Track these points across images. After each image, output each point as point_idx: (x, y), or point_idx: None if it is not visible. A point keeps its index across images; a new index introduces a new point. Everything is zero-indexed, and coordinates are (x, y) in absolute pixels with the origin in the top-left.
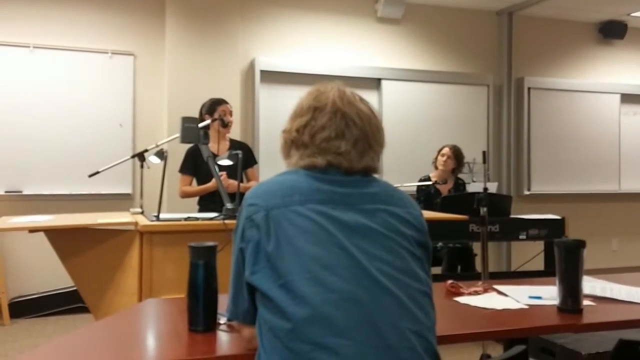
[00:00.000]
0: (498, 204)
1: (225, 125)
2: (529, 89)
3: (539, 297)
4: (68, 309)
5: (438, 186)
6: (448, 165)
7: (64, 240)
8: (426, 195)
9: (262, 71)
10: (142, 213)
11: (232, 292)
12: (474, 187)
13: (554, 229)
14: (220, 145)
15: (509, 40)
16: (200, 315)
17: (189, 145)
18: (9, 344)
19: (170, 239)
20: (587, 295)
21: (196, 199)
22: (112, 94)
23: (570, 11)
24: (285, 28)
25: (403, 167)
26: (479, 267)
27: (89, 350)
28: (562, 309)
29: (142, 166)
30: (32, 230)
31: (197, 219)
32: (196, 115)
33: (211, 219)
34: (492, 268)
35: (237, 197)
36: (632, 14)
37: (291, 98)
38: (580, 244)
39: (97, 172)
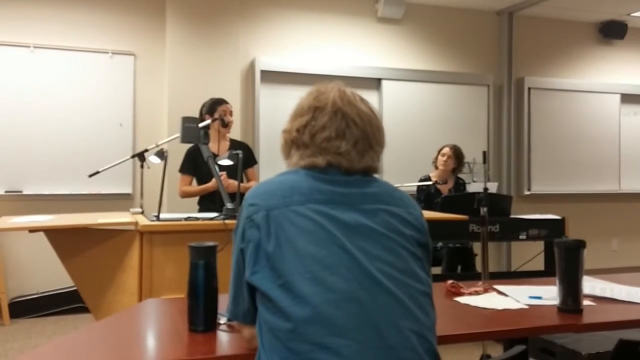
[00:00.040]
0: (498, 204)
1: (226, 125)
2: (529, 89)
3: (539, 297)
4: (68, 309)
5: (438, 186)
6: (448, 165)
7: (64, 240)
8: (426, 195)
9: (262, 71)
10: (142, 213)
11: (232, 292)
12: (474, 187)
13: (554, 229)
14: (220, 145)
15: (509, 40)
16: (201, 315)
17: (189, 145)
18: (9, 344)
19: (171, 239)
20: (587, 295)
21: (196, 199)
22: (112, 94)
23: (570, 11)
24: (286, 28)
25: (403, 167)
26: (479, 267)
27: (89, 350)
28: (562, 309)
29: (142, 166)
30: (32, 230)
31: (197, 219)
32: (196, 115)
33: (211, 219)
34: (492, 268)
35: (237, 197)
36: (633, 14)
37: (291, 98)
38: (580, 244)
39: (97, 172)
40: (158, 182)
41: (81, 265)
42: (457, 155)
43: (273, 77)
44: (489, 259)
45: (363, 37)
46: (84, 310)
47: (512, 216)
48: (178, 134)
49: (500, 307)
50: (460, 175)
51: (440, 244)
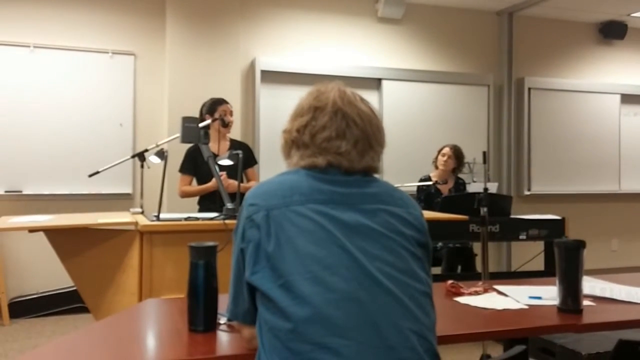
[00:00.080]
0: (498, 204)
1: (226, 125)
2: (529, 89)
3: (539, 297)
4: (68, 309)
5: (438, 186)
6: (449, 165)
7: (64, 240)
8: (427, 195)
9: (262, 71)
10: (142, 213)
11: (232, 292)
12: (474, 187)
13: (554, 229)
14: (220, 145)
15: (509, 41)
16: (201, 315)
17: (189, 145)
18: (9, 344)
19: (171, 239)
20: (587, 295)
21: (196, 199)
22: (112, 94)
23: (570, 11)
24: (286, 28)
25: (403, 167)
26: (479, 267)
27: (89, 350)
28: (562, 309)
29: (142, 166)
30: (32, 230)
31: (197, 219)
32: (196, 115)
33: (211, 219)
34: (492, 268)
35: (237, 197)
36: (632, 15)
37: (291, 98)
38: (580, 244)
39: (97, 172)
40: (158, 182)
41: (81, 265)
42: (457, 155)
43: (273, 77)
44: (489, 259)
45: (363, 37)
46: (84, 310)
47: (512, 216)
48: (178, 134)
49: (500, 307)
50: (460, 175)
51: (440, 244)
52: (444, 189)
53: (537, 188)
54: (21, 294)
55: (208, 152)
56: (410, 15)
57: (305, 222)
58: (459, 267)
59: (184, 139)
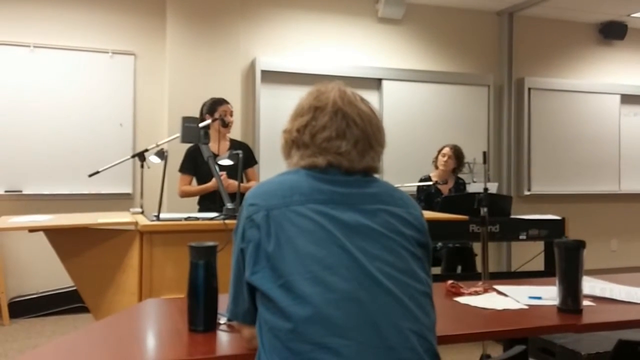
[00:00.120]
0: (498, 204)
1: (226, 125)
2: (529, 89)
3: (539, 297)
4: (68, 309)
5: (439, 186)
6: (449, 165)
7: (64, 240)
8: (427, 195)
9: (262, 71)
10: (142, 213)
11: (232, 292)
12: (474, 187)
13: (554, 229)
14: (220, 145)
15: (509, 41)
16: (201, 315)
17: (189, 145)
18: (9, 344)
19: (171, 238)
20: (587, 295)
21: (196, 199)
22: (112, 94)
23: (570, 12)
24: (286, 28)
25: (403, 167)
26: (479, 267)
27: (89, 350)
28: (562, 309)
29: (142, 166)
30: (32, 230)
31: (197, 218)
32: (197, 114)
33: (211, 219)
34: (492, 268)
35: (237, 197)
36: (633, 15)
37: (292, 98)
38: (580, 244)
39: (97, 172)
40: (158, 182)
41: (81, 265)
42: (457, 155)
43: (273, 77)
44: (489, 259)
45: (363, 37)
46: (84, 310)
47: (512, 216)
48: (178, 134)
49: (500, 307)
50: (460, 176)
51: (440, 244)
52: (444, 189)
53: (537, 188)
54: (21, 294)
55: (208, 152)
56: (410, 15)
57: (305, 222)
58: (459, 267)
59: (184, 139)
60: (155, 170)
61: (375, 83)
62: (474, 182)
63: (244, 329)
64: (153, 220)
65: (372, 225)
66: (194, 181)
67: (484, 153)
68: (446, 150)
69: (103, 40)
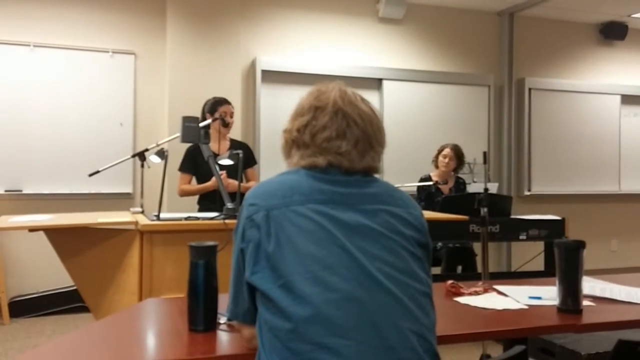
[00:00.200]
0: (498, 204)
1: (226, 125)
2: (529, 89)
3: (539, 297)
4: (68, 308)
5: (439, 186)
6: (449, 166)
7: (64, 240)
8: (427, 195)
9: (263, 71)
10: (142, 212)
11: (232, 292)
12: (474, 187)
13: (554, 229)
14: (220, 145)
15: (510, 41)
16: (201, 314)
17: (189, 144)
18: (9, 344)
19: (171, 238)
20: (587, 295)
21: (196, 198)
22: (112, 93)
23: (571, 12)
24: (287, 28)
25: (404, 167)
26: (479, 267)
27: (89, 350)
28: (562, 309)
29: (142, 165)
30: (32, 229)
31: (197, 218)
32: (197, 114)
33: (211, 218)
34: (492, 268)
35: (237, 197)
36: (633, 15)
37: (292, 98)
38: (580, 245)
39: (98, 172)
40: (158, 182)
41: (81, 265)
42: (457, 155)
43: (274, 76)
44: (489, 259)
45: (364, 37)
46: (84, 309)
47: (512, 216)
48: (178, 134)
49: (500, 307)
50: (460, 175)
51: (440, 244)
52: (445, 189)
53: (537, 188)
54: (21, 294)
55: (208, 152)
56: (411, 15)
57: (305, 222)
58: (459, 267)
59: (184, 139)
60: (156, 170)
61: (376, 83)
62: (474, 182)
63: (244, 329)
64: (153, 220)
65: (372, 225)
66: (194, 180)
67: (484, 153)
68: (447, 151)
69: (103, 39)
